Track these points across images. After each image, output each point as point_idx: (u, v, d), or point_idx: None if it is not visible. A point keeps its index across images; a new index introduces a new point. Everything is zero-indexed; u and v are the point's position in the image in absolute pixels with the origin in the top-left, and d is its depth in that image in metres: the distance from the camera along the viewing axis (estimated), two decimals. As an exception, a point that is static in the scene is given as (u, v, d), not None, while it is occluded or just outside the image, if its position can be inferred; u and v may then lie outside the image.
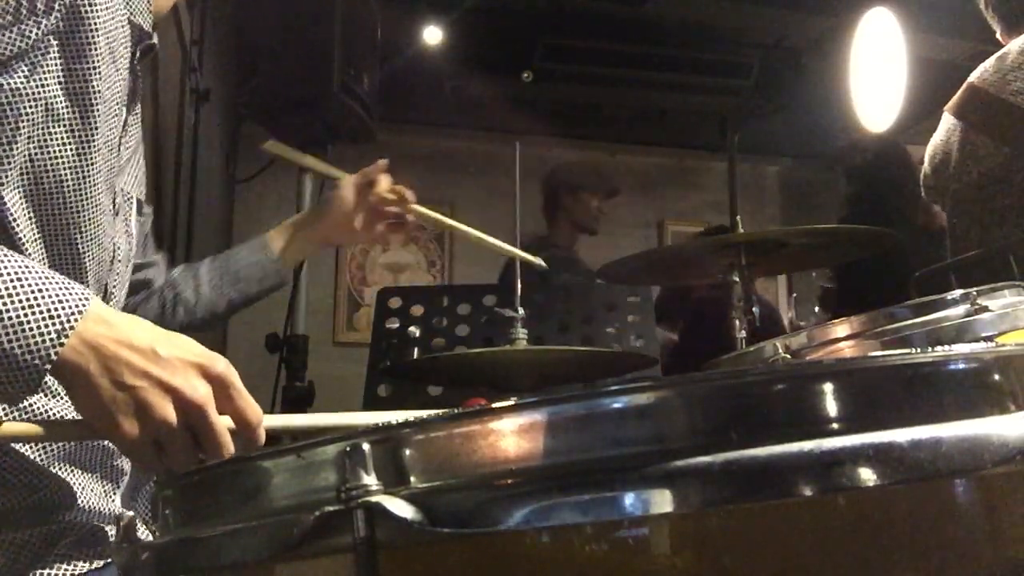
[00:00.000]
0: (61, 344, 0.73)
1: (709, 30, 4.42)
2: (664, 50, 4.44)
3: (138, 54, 1.03)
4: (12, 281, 0.74)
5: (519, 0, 4.23)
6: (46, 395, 0.91)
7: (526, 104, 4.56)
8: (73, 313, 0.74)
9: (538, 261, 1.64)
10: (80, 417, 0.78)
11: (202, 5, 2.95)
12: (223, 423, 0.78)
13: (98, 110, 0.91)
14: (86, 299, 0.76)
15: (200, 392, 0.76)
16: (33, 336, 0.73)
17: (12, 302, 0.73)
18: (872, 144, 3.25)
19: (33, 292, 0.74)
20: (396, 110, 4.21)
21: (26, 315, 0.73)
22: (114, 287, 1.05)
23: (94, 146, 0.92)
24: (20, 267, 0.75)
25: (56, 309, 0.74)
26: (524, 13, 4.26)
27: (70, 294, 0.75)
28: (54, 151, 0.89)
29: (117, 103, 0.97)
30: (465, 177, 5.21)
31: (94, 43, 0.89)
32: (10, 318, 0.73)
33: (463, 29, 4.14)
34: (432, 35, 4.17)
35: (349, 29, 2.73)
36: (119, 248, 1.06)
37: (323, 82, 2.64)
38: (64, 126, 0.89)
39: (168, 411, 0.75)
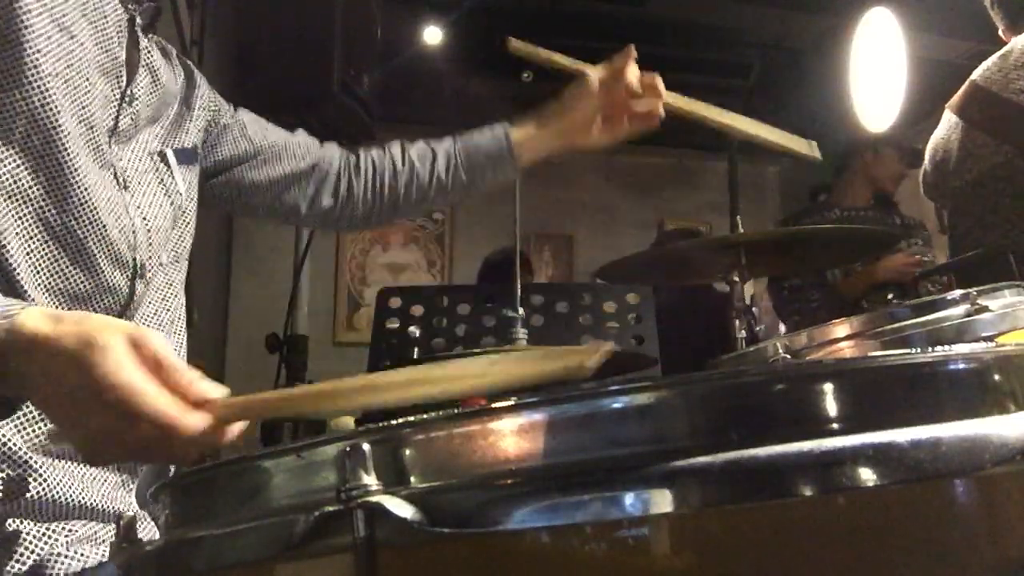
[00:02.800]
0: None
1: (709, 30, 4.42)
2: (664, 50, 4.44)
3: (138, 20, 1.01)
4: None
5: (519, 0, 4.23)
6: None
7: (526, 104, 4.55)
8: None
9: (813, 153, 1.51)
10: None
11: (202, 5, 2.95)
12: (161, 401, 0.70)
13: (56, 92, 0.89)
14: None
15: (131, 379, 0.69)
16: None
17: None
18: None
19: None
20: (396, 110, 4.20)
21: None
22: (148, 258, 1.02)
23: (63, 130, 0.90)
24: None
25: None
26: (524, 13, 4.26)
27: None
28: (19, 143, 0.87)
29: (87, 79, 0.94)
30: (465, 177, 5.20)
31: (31, 26, 0.87)
32: None
33: (463, 29, 4.14)
34: (432, 35, 4.17)
35: (349, 29, 2.73)
36: (146, 218, 1.03)
37: (323, 82, 2.64)
38: (26, 118, 0.87)
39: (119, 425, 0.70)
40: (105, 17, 0.97)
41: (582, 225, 5.48)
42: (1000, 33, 2.23)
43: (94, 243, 0.94)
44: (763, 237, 1.79)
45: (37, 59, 0.88)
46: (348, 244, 5.19)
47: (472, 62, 4.31)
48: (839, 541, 0.54)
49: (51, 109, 0.89)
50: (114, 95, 0.99)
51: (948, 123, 2.25)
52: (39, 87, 0.88)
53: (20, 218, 0.89)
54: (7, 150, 0.87)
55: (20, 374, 0.71)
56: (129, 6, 1.01)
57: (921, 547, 0.55)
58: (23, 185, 0.89)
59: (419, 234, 5.31)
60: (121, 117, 1.01)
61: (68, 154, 0.91)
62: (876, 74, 3.11)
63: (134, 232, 1.01)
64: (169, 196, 1.08)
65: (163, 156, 1.09)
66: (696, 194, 5.75)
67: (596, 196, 5.48)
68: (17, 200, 0.89)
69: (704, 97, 1.47)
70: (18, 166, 0.88)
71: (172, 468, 1.05)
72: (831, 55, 3.58)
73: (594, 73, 1.35)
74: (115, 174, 1.00)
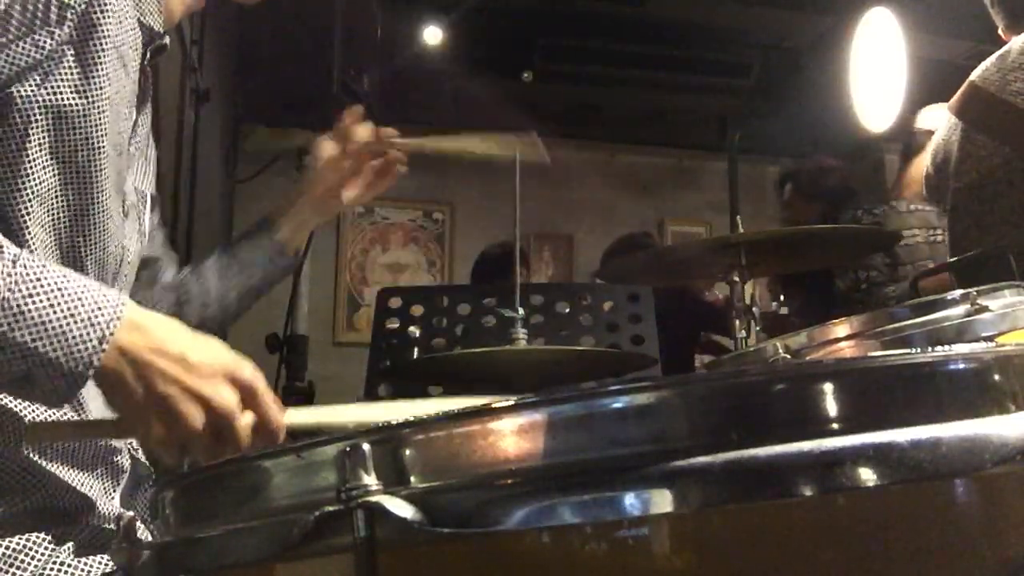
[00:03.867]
0: (103, 350, 0.76)
1: (709, 30, 4.42)
2: (664, 50, 4.44)
3: (148, 55, 1.04)
4: (54, 292, 0.76)
5: (519, 0, 4.23)
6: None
7: (526, 104, 4.56)
8: (111, 320, 0.77)
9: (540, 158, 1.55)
10: (112, 416, 0.82)
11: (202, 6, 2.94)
12: (247, 425, 0.82)
13: (107, 115, 0.93)
14: (123, 305, 0.79)
15: (227, 400, 0.80)
16: (76, 344, 0.76)
17: (55, 311, 0.76)
18: (840, 168, 3.43)
19: (74, 301, 0.77)
20: (396, 110, 4.20)
21: (68, 325, 0.76)
22: (120, 290, 1.05)
23: (103, 152, 0.93)
24: (60, 277, 0.78)
25: (96, 317, 0.77)
26: (524, 13, 4.26)
27: (107, 301, 0.78)
28: (64, 156, 0.90)
29: (126, 106, 0.98)
30: (465, 177, 5.21)
31: (106, 50, 0.91)
32: (54, 328, 0.75)
33: (463, 29, 4.14)
34: (432, 35, 4.17)
35: (349, 29, 2.74)
36: (128, 250, 1.07)
37: (323, 82, 2.64)
38: (78, 133, 0.90)
39: (196, 419, 0.79)
40: (135, 50, 1.00)
41: (582, 225, 5.47)
42: (1000, 32, 2.23)
43: (92, 266, 0.97)
44: (763, 237, 1.79)
45: (104, 83, 0.91)
46: (348, 244, 5.19)
47: (472, 62, 4.31)
48: (839, 541, 0.54)
49: (102, 130, 0.93)
50: (129, 125, 1.02)
51: (948, 124, 2.25)
52: (99, 108, 0.91)
53: (41, 223, 0.91)
54: (50, 157, 0.89)
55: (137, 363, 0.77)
56: (146, 39, 1.03)
57: (921, 547, 0.55)
58: (50, 193, 0.91)
59: (419, 234, 5.30)
60: (131, 146, 1.04)
61: (103, 175, 0.94)
62: (876, 74, 3.11)
63: (120, 261, 1.04)
64: (140, 235, 1.12)
65: (143, 195, 1.12)
66: (696, 194, 5.74)
67: (596, 196, 5.47)
68: (43, 204, 0.90)
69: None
70: (53, 174, 0.90)
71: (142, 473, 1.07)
72: (831, 55, 3.58)
73: (323, 139, 1.39)
74: (123, 202, 1.04)
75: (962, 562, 0.56)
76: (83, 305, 0.77)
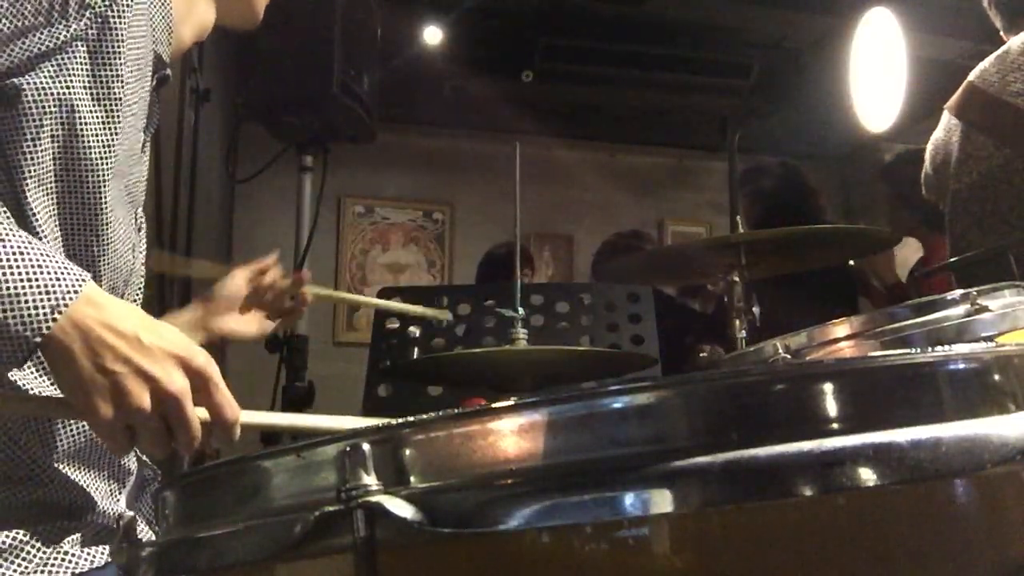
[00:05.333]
0: (54, 320, 0.75)
1: (709, 30, 4.41)
2: (664, 50, 4.43)
3: (155, 82, 1.05)
4: (14, 254, 0.76)
5: (519, 0, 4.23)
6: (39, 372, 0.92)
7: (526, 104, 4.55)
8: (68, 292, 0.77)
9: (444, 315, 1.63)
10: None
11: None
12: (198, 415, 0.80)
13: (120, 117, 0.93)
14: (82, 280, 0.78)
15: (177, 384, 0.78)
16: (28, 309, 0.75)
17: (12, 274, 0.75)
18: (776, 169, 3.35)
19: (33, 267, 0.76)
20: (396, 110, 4.20)
21: (24, 288, 0.75)
22: (135, 302, 1.07)
23: (115, 153, 0.94)
24: (24, 241, 0.78)
25: (53, 286, 0.76)
26: (524, 13, 4.26)
27: (68, 274, 0.78)
28: (78, 152, 0.91)
29: (139, 118, 1.00)
30: (465, 177, 5.21)
31: (120, 53, 0.92)
32: (9, 290, 0.75)
33: (463, 29, 4.13)
34: (432, 35, 4.17)
35: (349, 29, 2.73)
36: (140, 264, 1.08)
37: (323, 82, 2.64)
38: (90, 129, 0.91)
39: (144, 399, 0.77)
40: (149, 72, 1.02)
41: (582, 225, 5.47)
42: (1000, 33, 2.23)
43: (104, 268, 0.97)
44: (763, 237, 1.78)
45: (115, 83, 0.92)
46: (348, 244, 5.19)
47: (472, 62, 4.30)
48: (839, 541, 0.54)
49: (114, 131, 0.93)
50: (140, 142, 1.04)
51: (947, 124, 2.24)
52: (110, 107, 0.92)
53: (50, 215, 0.92)
54: (62, 150, 0.90)
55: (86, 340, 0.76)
56: (155, 67, 1.04)
57: (921, 547, 0.55)
58: (61, 186, 0.92)
59: (419, 234, 5.30)
60: (141, 164, 1.06)
61: (112, 172, 0.94)
62: (876, 74, 3.10)
63: (131, 271, 1.05)
64: (143, 254, 1.13)
65: (140, 219, 1.13)
66: (696, 194, 5.74)
67: (596, 196, 5.46)
68: (49, 196, 0.91)
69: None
70: (63, 166, 0.91)
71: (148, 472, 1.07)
72: (831, 55, 3.58)
73: (238, 271, 1.43)
74: (135, 216, 1.05)
75: (962, 562, 0.56)
76: (42, 273, 0.76)
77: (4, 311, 0.74)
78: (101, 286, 0.96)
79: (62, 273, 0.77)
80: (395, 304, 1.61)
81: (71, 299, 0.76)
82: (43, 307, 0.75)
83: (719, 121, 5.25)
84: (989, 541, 0.57)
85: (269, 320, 1.46)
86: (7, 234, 0.77)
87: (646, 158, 5.70)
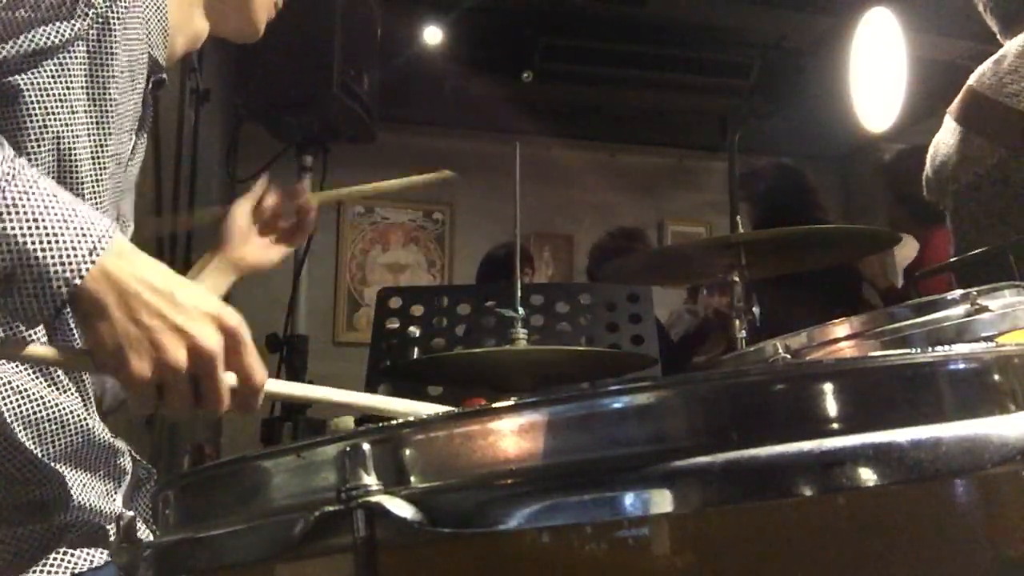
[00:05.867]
0: (93, 262, 0.73)
1: (709, 30, 4.42)
2: (664, 50, 4.43)
3: (150, 86, 1.05)
4: (50, 196, 0.74)
5: (519, 0, 4.23)
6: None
7: (526, 104, 4.55)
8: (103, 236, 0.75)
9: (444, 175, 1.60)
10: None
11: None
12: (227, 378, 0.78)
13: (112, 120, 0.94)
14: (113, 228, 0.77)
15: (212, 341, 0.76)
16: (67, 249, 0.73)
17: (50, 214, 0.73)
18: (771, 171, 3.38)
19: (68, 210, 0.74)
20: (396, 110, 4.20)
21: (62, 229, 0.73)
22: None
23: (107, 152, 0.94)
24: (55, 187, 0.76)
25: (88, 229, 0.74)
26: (524, 13, 4.26)
27: (99, 219, 0.76)
28: (76, 154, 0.91)
29: (129, 120, 0.99)
30: (465, 177, 5.20)
31: (116, 55, 0.92)
32: (47, 228, 0.72)
33: (463, 29, 4.13)
34: (432, 35, 4.17)
35: (349, 29, 2.73)
36: None
37: (323, 82, 2.63)
38: (85, 130, 0.91)
39: (180, 355, 0.75)
40: (142, 75, 1.01)
41: (582, 225, 5.47)
42: (998, 37, 2.24)
43: None
44: (763, 237, 1.78)
45: (110, 84, 0.92)
46: (348, 244, 5.19)
47: (472, 62, 4.30)
48: (839, 541, 0.54)
49: (109, 135, 0.93)
50: (129, 145, 1.03)
51: (948, 127, 2.25)
52: (104, 108, 0.92)
53: None
54: (63, 151, 0.90)
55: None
56: (149, 71, 1.04)
57: (921, 547, 0.55)
58: (68, 185, 0.91)
59: (419, 234, 5.30)
60: (129, 167, 1.05)
61: (104, 173, 0.94)
62: (876, 74, 3.10)
63: None
64: None
65: (125, 219, 1.12)
66: (696, 194, 5.74)
67: (596, 196, 5.47)
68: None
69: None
70: (65, 165, 0.91)
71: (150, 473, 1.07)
72: (831, 55, 3.58)
73: (237, 203, 1.41)
74: (118, 217, 1.04)
75: (962, 562, 0.56)
76: (77, 216, 0.74)
77: (43, 248, 0.72)
78: None
79: (95, 218, 0.75)
80: (394, 182, 1.58)
81: (106, 242, 0.74)
82: (81, 248, 0.73)
83: (719, 121, 5.26)
84: (989, 541, 0.57)
85: (284, 243, 1.45)
86: (39, 176, 0.75)
87: (646, 158, 5.70)
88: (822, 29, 4.18)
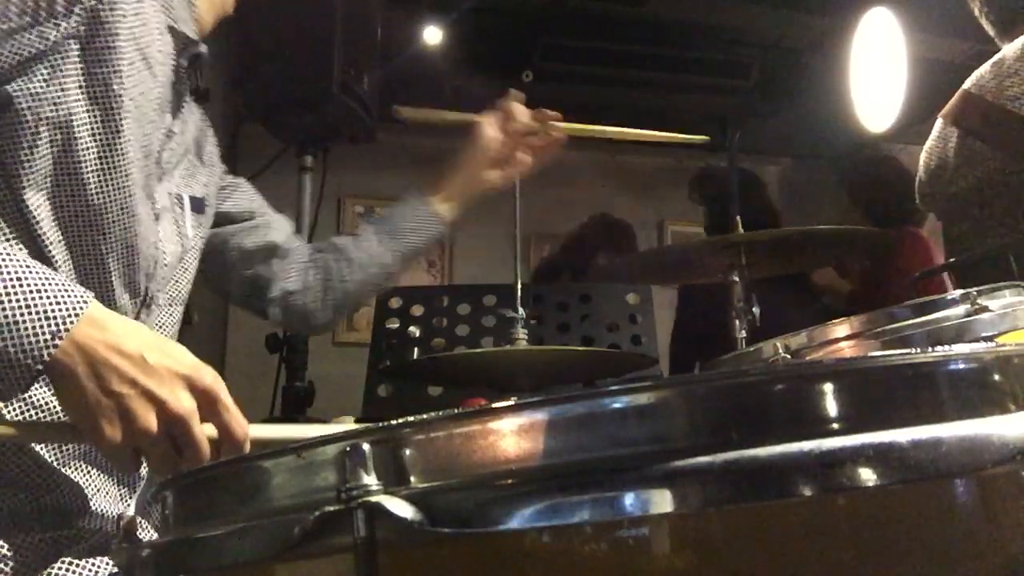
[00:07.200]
0: (55, 346, 0.74)
1: (709, 30, 4.42)
2: (664, 50, 4.44)
3: (185, 62, 1.04)
4: (12, 281, 0.75)
5: (519, 0, 4.23)
6: (48, 388, 0.91)
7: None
8: (69, 316, 0.75)
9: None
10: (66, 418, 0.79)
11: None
12: (205, 433, 0.79)
13: (122, 115, 0.92)
14: (84, 303, 0.77)
15: (184, 405, 0.77)
16: (28, 336, 0.74)
17: (10, 301, 0.74)
18: (722, 174, 3.58)
19: (32, 293, 0.75)
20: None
21: (23, 315, 0.74)
22: (157, 291, 1.05)
23: (119, 150, 0.92)
24: (21, 267, 0.76)
25: (53, 311, 0.75)
26: (524, 13, 4.26)
27: (68, 296, 0.76)
28: (77, 155, 0.89)
29: (154, 109, 0.98)
30: (465, 177, 5.20)
31: (116, 47, 0.90)
32: (6, 317, 0.74)
33: (463, 29, 4.13)
34: (432, 35, 4.17)
35: (349, 29, 2.73)
36: (165, 253, 1.06)
37: (323, 82, 2.64)
38: (87, 130, 0.89)
39: (151, 421, 0.76)
40: (166, 55, 1.00)
41: (582, 225, 5.46)
42: (995, 40, 2.24)
43: (115, 264, 0.95)
44: (763, 237, 1.79)
45: (112, 79, 0.90)
46: (348, 244, 5.19)
47: (472, 62, 4.30)
48: (839, 541, 0.54)
49: (120, 131, 0.92)
50: (161, 129, 1.02)
51: (942, 132, 2.24)
52: (109, 105, 0.91)
53: (51, 219, 0.90)
54: (63, 154, 0.89)
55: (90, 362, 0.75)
56: (179, 46, 1.03)
57: (921, 547, 0.55)
58: (61, 190, 0.90)
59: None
60: (164, 151, 1.04)
61: (122, 175, 0.93)
62: (876, 74, 3.11)
63: (155, 263, 1.03)
64: (180, 238, 1.11)
65: (179, 199, 1.11)
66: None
67: (596, 196, 5.46)
68: (50, 200, 0.90)
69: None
70: (64, 171, 0.89)
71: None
72: (831, 55, 3.58)
73: (487, 120, 1.45)
74: (152, 205, 1.02)
75: (962, 562, 0.56)
76: (41, 298, 0.75)
77: (3, 339, 0.73)
78: (113, 287, 0.95)
79: (62, 296, 0.76)
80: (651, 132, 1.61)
81: (72, 323, 0.75)
82: (43, 333, 0.74)
83: (719, 121, 5.26)
84: (989, 541, 0.57)
85: (531, 160, 1.49)
86: (3, 262, 0.76)
87: (646, 158, 5.70)
88: (822, 29, 4.18)
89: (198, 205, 1.16)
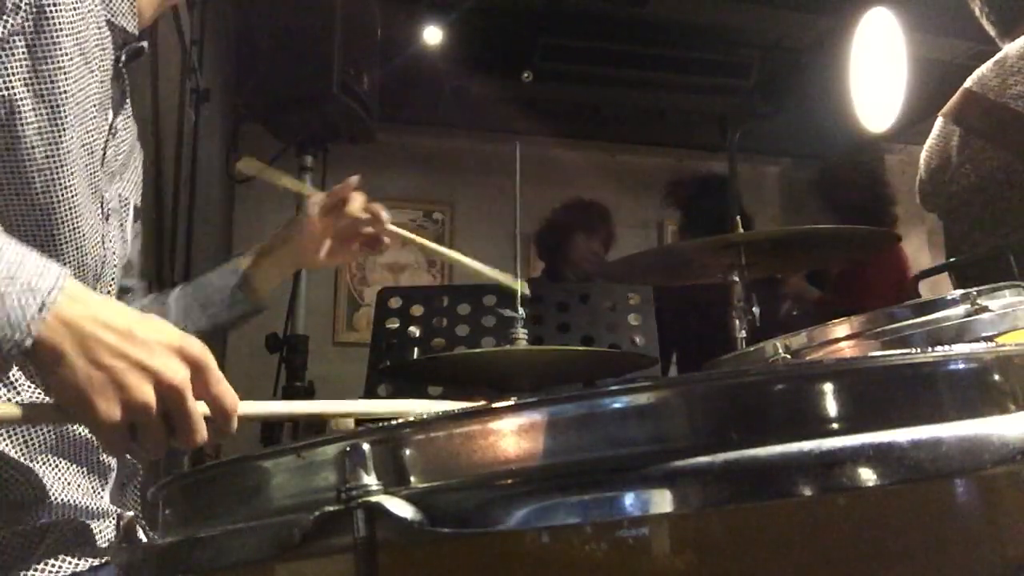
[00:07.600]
0: (43, 318, 0.71)
1: (709, 30, 4.42)
2: (664, 50, 4.44)
3: (123, 57, 1.01)
4: None
5: (519, 0, 4.23)
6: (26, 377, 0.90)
7: (526, 104, 4.55)
8: (53, 288, 0.72)
9: (521, 287, 1.61)
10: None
11: (202, 5, 2.95)
12: (199, 409, 0.76)
13: (67, 112, 0.89)
14: (64, 275, 0.74)
15: (179, 375, 0.74)
16: (14, 309, 0.70)
17: None
18: (694, 181, 3.76)
19: (13, 265, 0.72)
20: (396, 110, 4.20)
21: (7, 287, 0.70)
22: (105, 293, 1.04)
23: (64, 148, 0.89)
24: (1, 241, 0.73)
25: (37, 283, 0.71)
26: (524, 13, 4.26)
27: (48, 270, 0.73)
28: (21, 153, 0.86)
29: (94, 106, 0.95)
30: (465, 177, 5.21)
31: (59, 43, 0.87)
32: None
33: (463, 29, 4.13)
34: (432, 35, 4.17)
35: (349, 29, 2.73)
36: (112, 253, 1.04)
37: (323, 82, 2.64)
38: (32, 128, 0.87)
39: (147, 393, 0.73)
40: (104, 50, 0.97)
41: (582, 225, 5.46)
42: (996, 40, 2.23)
43: (70, 263, 0.93)
44: (763, 237, 1.79)
45: (58, 76, 0.88)
46: (348, 244, 5.19)
47: (472, 62, 4.30)
48: (839, 541, 0.54)
49: (59, 127, 0.89)
50: (103, 127, 0.99)
51: (943, 131, 2.24)
52: (55, 103, 0.88)
53: (2, 219, 0.88)
54: (9, 155, 0.87)
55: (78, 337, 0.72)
56: (119, 41, 1.01)
57: (921, 547, 0.55)
58: (10, 188, 0.88)
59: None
60: (108, 149, 1.01)
61: (67, 172, 0.90)
62: (876, 74, 3.11)
63: (103, 263, 1.01)
64: (124, 241, 1.09)
65: (124, 201, 1.09)
66: (696, 194, 5.73)
67: (596, 196, 5.47)
68: (8, 198, 0.88)
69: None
70: (12, 169, 0.87)
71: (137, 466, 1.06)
72: (831, 55, 3.58)
73: (316, 200, 1.38)
74: (101, 204, 1.00)
75: (962, 562, 0.56)
76: (23, 270, 0.71)
77: None
78: None
79: (43, 269, 0.73)
80: (466, 261, 1.57)
81: (56, 295, 0.71)
82: (29, 306, 0.70)
83: (719, 121, 5.26)
84: (989, 541, 0.57)
85: (353, 252, 1.42)
86: None
87: (646, 158, 5.70)
88: (822, 29, 4.18)
89: (136, 212, 1.14)
